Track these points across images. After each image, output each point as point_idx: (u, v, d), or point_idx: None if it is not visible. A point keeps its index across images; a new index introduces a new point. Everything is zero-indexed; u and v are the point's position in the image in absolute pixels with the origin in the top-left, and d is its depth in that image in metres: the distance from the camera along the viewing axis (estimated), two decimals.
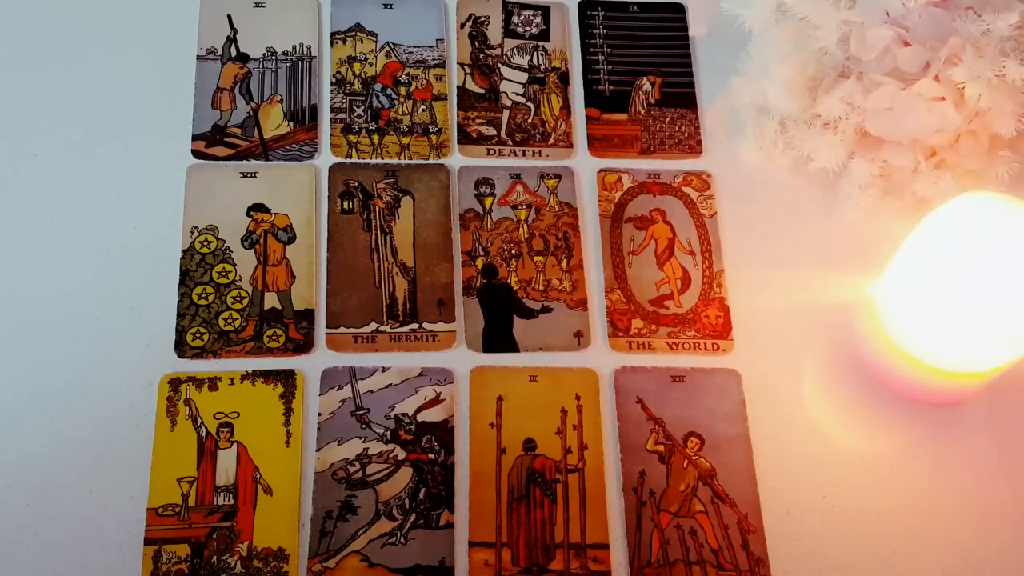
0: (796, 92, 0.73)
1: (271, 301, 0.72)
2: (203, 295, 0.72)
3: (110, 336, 0.70)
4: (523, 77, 0.83)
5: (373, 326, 0.72)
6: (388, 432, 0.69)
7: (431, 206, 0.77)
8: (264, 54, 0.81)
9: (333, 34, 0.83)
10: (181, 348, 0.70)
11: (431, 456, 0.68)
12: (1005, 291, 0.62)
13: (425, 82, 0.82)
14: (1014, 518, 0.68)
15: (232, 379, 0.69)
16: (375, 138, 0.79)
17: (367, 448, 0.68)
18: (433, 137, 0.80)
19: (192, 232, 0.74)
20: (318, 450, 0.68)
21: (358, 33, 0.83)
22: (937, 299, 0.64)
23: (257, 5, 0.83)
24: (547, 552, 0.66)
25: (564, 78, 0.83)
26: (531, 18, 0.86)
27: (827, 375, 0.72)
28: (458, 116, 0.81)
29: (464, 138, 0.80)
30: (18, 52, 0.80)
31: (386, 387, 0.70)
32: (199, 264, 0.73)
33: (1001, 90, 0.67)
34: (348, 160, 0.78)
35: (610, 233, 0.77)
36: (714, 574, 0.66)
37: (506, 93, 0.82)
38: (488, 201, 0.78)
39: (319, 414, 0.69)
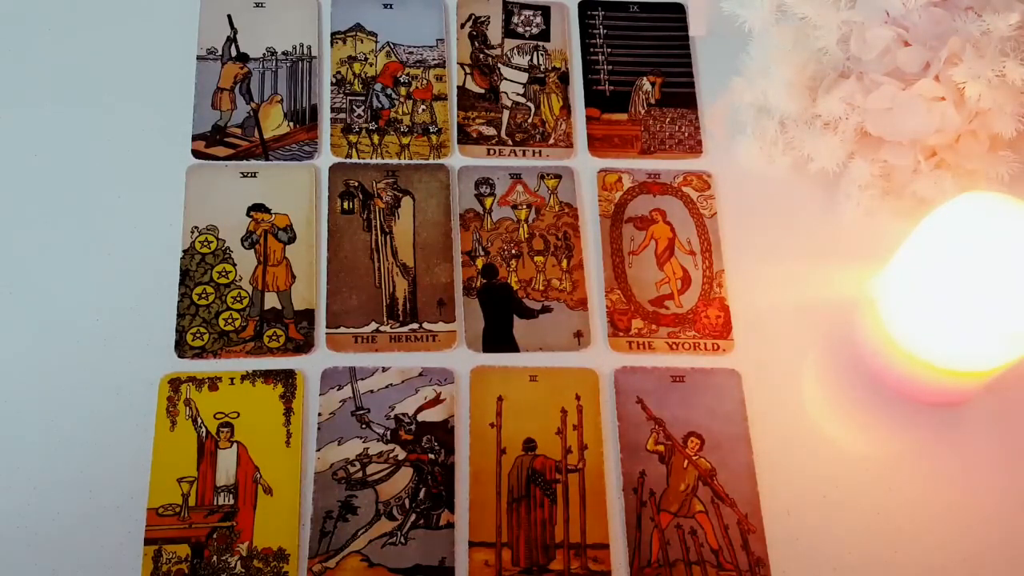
0: (796, 92, 0.73)
1: (271, 301, 0.72)
2: (203, 295, 0.72)
3: (110, 336, 0.70)
4: (523, 77, 0.83)
5: (373, 326, 0.72)
6: (388, 432, 0.69)
7: (431, 206, 0.77)
8: (264, 54, 0.81)
9: (333, 34, 0.83)
10: (181, 348, 0.70)
11: (431, 456, 0.68)
12: (1005, 291, 0.62)
13: (425, 82, 0.82)
14: (1014, 518, 0.68)
15: (232, 379, 0.69)
16: (375, 138, 0.79)
17: (367, 448, 0.68)
18: (433, 137, 0.80)
19: (192, 232, 0.74)
20: (318, 450, 0.68)
21: (358, 33, 0.83)
22: (937, 299, 0.64)
23: (257, 5, 0.83)
24: (547, 552, 0.66)
25: (564, 78, 0.83)
26: (531, 18, 0.86)
27: (827, 375, 0.72)
28: (458, 116, 0.81)
29: (464, 138, 0.80)
30: (18, 52, 0.80)
31: (386, 387, 0.70)
32: (199, 264, 0.73)
33: (1001, 90, 0.67)
34: (348, 160, 0.78)
35: (610, 233, 0.77)
36: (714, 574, 0.66)
37: (506, 93, 0.82)
38: (488, 201, 0.77)
39: (319, 414, 0.69)
